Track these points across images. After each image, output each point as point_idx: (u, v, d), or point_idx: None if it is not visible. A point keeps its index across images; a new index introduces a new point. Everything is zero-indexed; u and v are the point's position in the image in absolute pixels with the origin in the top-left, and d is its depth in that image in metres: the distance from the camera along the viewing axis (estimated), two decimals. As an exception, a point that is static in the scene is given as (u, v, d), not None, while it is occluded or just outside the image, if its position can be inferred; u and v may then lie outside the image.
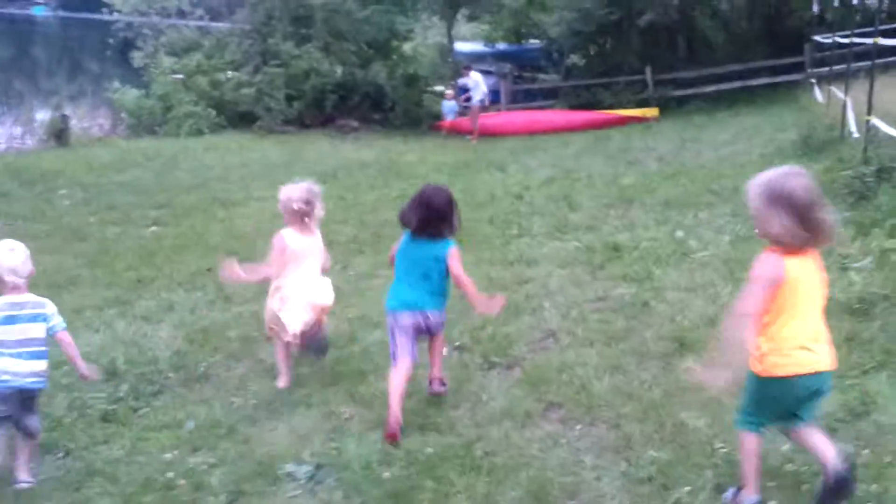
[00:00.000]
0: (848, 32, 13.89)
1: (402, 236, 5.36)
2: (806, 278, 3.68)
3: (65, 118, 20.43)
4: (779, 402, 3.81)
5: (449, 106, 21.73)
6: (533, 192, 12.66)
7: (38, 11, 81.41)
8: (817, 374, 3.71)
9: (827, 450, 3.81)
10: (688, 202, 10.92)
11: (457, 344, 6.40)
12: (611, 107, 22.08)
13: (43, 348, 4.71)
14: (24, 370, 4.57)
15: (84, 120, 22.69)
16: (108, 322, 7.49)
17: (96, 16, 60.87)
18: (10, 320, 4.60)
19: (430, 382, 5.50)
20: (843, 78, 13.39)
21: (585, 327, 6.64)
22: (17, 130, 23.11)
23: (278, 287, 5.85)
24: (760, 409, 3.84)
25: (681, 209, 10.56)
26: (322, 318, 5.97)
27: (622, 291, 7.43)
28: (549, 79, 26.61)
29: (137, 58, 23.63)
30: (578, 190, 12.61)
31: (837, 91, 14.56)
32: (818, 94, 18.65)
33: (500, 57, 26.97)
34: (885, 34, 12.16)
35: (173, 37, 23.63)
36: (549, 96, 25.23)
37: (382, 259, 8.99)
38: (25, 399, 4.61)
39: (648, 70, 22.57)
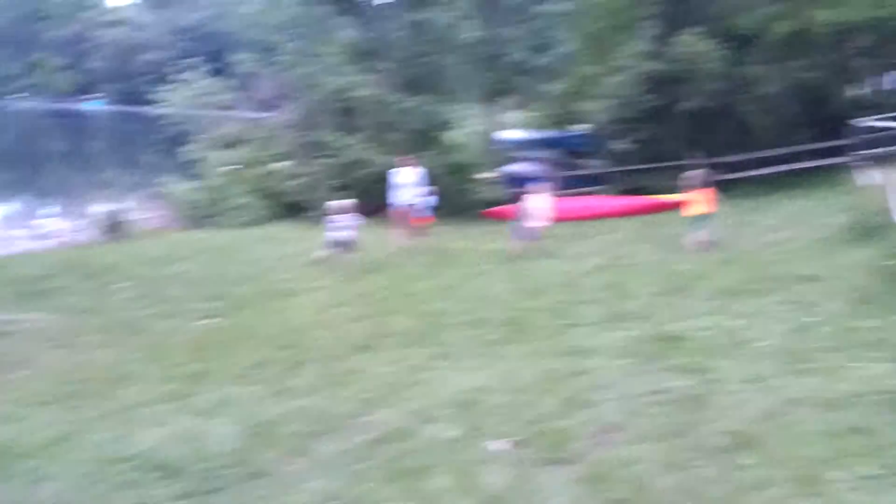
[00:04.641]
0: (885, 116, 13.89)
1: None
2: None
3: (119, 212, 20.94)
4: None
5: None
6: (585, 280, 12.63)
7: (92, 106, 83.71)
8: None
9: None
10: (742, 289, 10.81)
11: (515, 439, 6.36)
12: (658, 192, 22.05)
13: None
14: None
15: (138, 212, 23.22)
16: (167, 417, 7.54)
17: (149, 109, 63.14)
18: None
19: None
20: (883, 161, 13.34)
21: (643, 421, 6.57)
22: (73, 224, 23.77)
23: None
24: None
25: (735, 297, 10.46)
26: None
27: (679, 384, 7.34)
28: (595, 165, 26.70)
29: (188, 151, 24.22)
30: (630, 277, 12.56)
31: (879, 173, 14.50)
32: (862, 177, 18.56)
33: (545, 144, 27.14)
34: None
35: (223, 130, 24.19)
36: (595, 182, 25.31)
37: (438, 350, 9.10)
38: None
39: (695, 155, 22.60)
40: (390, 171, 18.01)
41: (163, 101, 27.61)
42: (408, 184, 17.43)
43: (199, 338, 10.68)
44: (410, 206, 17.34)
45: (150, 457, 6.52)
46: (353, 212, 15.76)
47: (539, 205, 16.19)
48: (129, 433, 7.20)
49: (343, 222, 15.53)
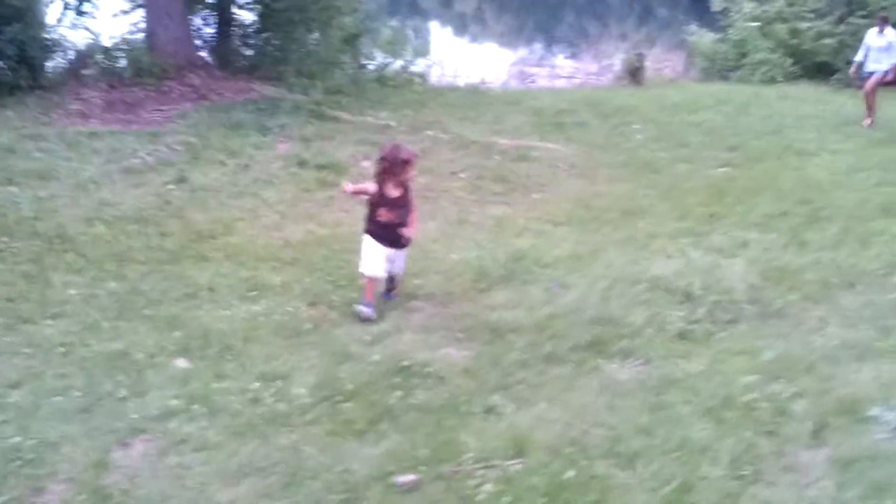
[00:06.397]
0: None
1: None
2: None
3: (640, 57, 21.20)
4: None
5: None
6: None
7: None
8: None
9: None
10: None
11: None
12: None
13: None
14: None
15: (656, 62, 23.37)
16: (681, 250, 7.74)
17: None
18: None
19: None
20: None
21: None
22: (594, 67, 24.63)
23: None
24: None
25: None
26: None
27: None
28: None
29: (717, 1, 23.61)
30: None
31: None
32: None
33: None
34: None
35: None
36: None
37: None
38: None
39: None
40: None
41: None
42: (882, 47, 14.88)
43: (715, 183, 10.66)
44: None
45: (666, 282, 6.78)
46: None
47: None
48: (645, 259, 7.53)
49: None
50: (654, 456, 4.03)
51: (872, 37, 14.96)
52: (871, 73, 14.81)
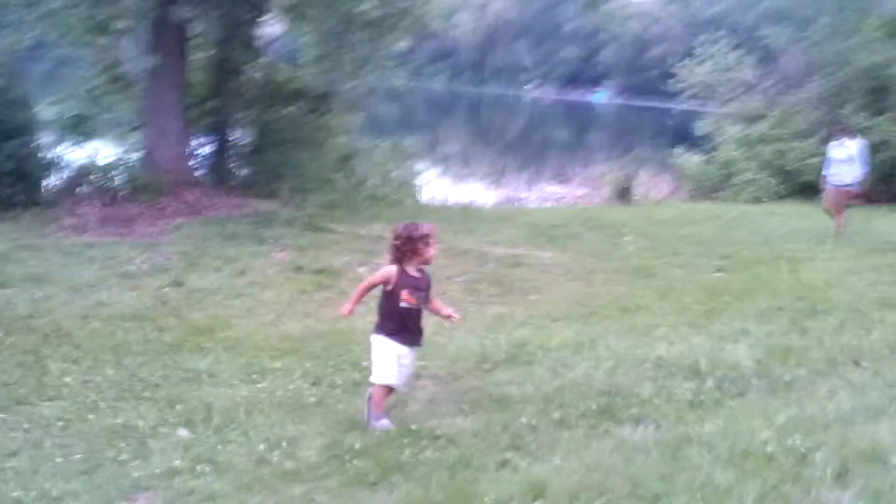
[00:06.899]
0: None
1: None
2: None
3: (628, 177, 21.70)
4: None
5: None
6: None
7: (597, 98, 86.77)
8: None
9: None
10: None
11: None
12: None
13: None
14: None
15: (643, 184, 23.86)
16: (683, 337, 7.74)
17: (654, 103, 64.46)
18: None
19: None
20: None
21: None
22: (582, 192, 25.13)
23: None
24: None
25: None
26: None
27: None
28: None
29: (701, 125, 24.32)
30: None
31: None
32: None
33: None
34: None
35: (740, 106, 23.89)
36: None
37: None
38: None
39: None
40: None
41: (677, 79, 27.68)
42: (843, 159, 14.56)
43: (711, 285, 10.72)
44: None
45: (671, 361, 6.78)
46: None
47: None
48: (647, 344, 7.51)
49: None
50: (676, 495, 3.92)
51: (834, 149, 14.77)
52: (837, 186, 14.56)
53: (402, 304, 5.49)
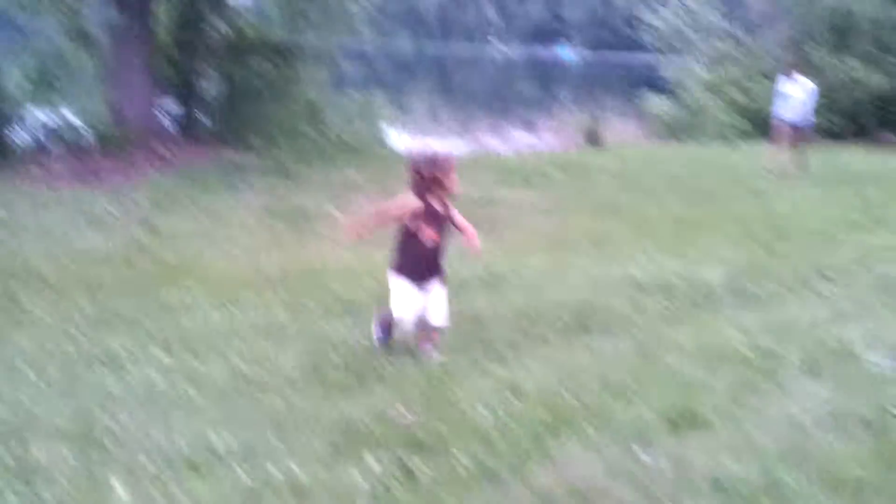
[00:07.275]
0: None
1: None
2: None
3: (597, 120, 21.73)
4: None
5: None
6: None
7: (565, 54, 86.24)
8: None
9: None
10: None
11: None
12: None
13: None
14: None
15: (615, 132, 23.91)
16: (656, 262, 7.89)
17: (623, 58, 64.51)
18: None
19: None
20: None
21: None
22: (551, 136, 25.17)
23: None
24: None
25: None
26: None
27: None
28: None
29: (669, 71, 24.37)
30: None
31: None
32: None
33: None
34: None
35: (706, 49, 23.96)
36: None
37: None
38: None
39: None
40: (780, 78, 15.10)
41: (643, 26, 27.65)
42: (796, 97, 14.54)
43: (683, 218, 10.81)
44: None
45: (644, 281, 6.88)
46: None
47: None
48: (620, 267, 7.61)
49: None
50: (647, 390, 4.01)
51: (785, 84, 14.75)
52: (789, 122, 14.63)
53: (425, 242, 5.00)
